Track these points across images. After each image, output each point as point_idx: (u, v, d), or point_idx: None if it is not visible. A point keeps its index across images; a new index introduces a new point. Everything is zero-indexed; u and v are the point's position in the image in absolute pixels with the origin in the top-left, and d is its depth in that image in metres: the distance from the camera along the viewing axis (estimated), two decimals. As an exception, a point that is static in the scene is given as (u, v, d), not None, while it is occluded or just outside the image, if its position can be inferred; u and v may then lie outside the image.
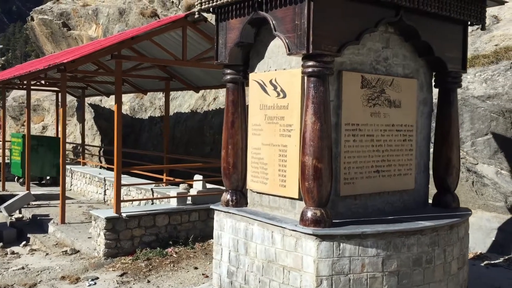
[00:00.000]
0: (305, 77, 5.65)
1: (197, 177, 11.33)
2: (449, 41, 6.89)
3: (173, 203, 10.96)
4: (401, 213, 6.53)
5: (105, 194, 15.39)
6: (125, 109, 18.77)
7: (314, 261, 5.43)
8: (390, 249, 5.60)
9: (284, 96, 6.09)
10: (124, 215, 10.04)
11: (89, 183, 16.49)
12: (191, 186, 11.91)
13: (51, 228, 12.03)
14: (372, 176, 6.42)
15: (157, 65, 13.28)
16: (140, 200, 12.06)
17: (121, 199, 10.26)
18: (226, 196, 6.75)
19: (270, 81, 6.27)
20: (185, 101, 16.81)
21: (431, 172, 7.24)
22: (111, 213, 10.11)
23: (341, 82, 6.01)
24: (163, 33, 10.55)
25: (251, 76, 6.61)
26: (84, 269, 9.42)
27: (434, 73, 7.19)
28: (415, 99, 6.90)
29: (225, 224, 6.64)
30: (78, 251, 10.63)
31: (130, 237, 10.11)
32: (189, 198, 11.02)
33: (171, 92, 17.96)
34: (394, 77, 6.59)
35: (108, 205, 14.83)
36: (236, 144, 6.67)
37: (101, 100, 21.17)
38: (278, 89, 6.17)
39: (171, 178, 13.44)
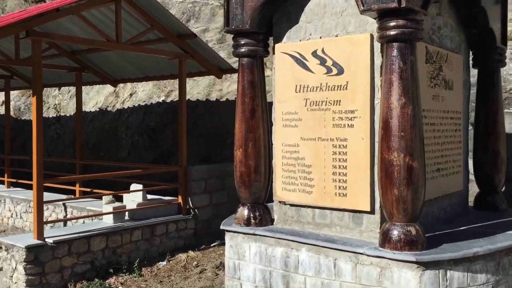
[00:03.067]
0: (384, 44, 4.10)
1: (135, 186, 9.19)
2: (494, 12, 5.76)
3: (107, 221, 8.74)
4: (457, 221, 5.24)
5: (-13, 212, 12.47)
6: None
7: (416, 299, 3.89)
8: (499, 273, 4.22)
9: (340, 72, 4.46)
10: (50, 241, 7.68)
11: (-37, 198, 13.32)
12: (117, 198, 9.75)
13: None
14: (434, 176, 5.03)
15: (65, 53, 10.85)
16: (70, 219, 9.63)
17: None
18: (244, 212, 4.94)
19: (314, 53, 4.60)
20: (90, 99, 14.30)
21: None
22: (31, 239, 7.68)
23: (410, 53, 4.54)
24: (92, 7, 8.30)
25: (279, 47, 4.88)
26: (1, 318, 6.97)
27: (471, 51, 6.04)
28: (461, 79, 5.66)
29: (247, 251, 4.83)
30: (-19, 291, 8.01)
31: (58, 269, 7.75)
32: (127, 213, 8.88)
33: (69, 89, 15.35)
34: (448, 52, 5.28)
35: (-7, 225, 12.00)
36: (258, 141, 4.89)
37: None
38: (328, 63, 4.53)
39: (88, 189, 11.04)
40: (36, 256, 7.57)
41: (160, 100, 12.16)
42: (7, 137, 13.66)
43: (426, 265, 3.89)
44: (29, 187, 11.08)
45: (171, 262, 8.76)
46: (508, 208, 5.95)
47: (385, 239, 4.05)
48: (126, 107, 13.10)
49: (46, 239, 7.76)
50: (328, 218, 4.62)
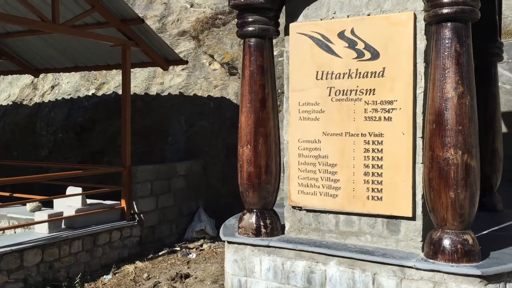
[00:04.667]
0: (433, 25, 3.57)
1: (73, 190, 8.01)
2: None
3: (40, 231, 7.53)
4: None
5: None
6: None
7: (479, 318, 3.38)
8: (548, 282, 3.85)
9: (375, 57, 3.86)
10: (-25, 256, 6.43)
11: None
12: (43, 203, 8.56)
13: None
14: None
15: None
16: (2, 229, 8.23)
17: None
18: (252, 220, 4.19)
19: (341, 34, 3.96)
20: (1, 90, 12.66)
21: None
22: (-48, 255, 6.39)
23: (444, 39, 4.05)
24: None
25: (295, 27, 4.18)
26: None
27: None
28: (466, 73, 5.29)
29: (257, 266, 4.09)
30: None
31: (-15, 290, 6.53)
32: (63, 221, 7.72)
33: (-26, 79, 13.56)
34: (461, 42, 4.87)
35: None
36: (269, 136, 4.16)
37: None
38: (358, 46, 3.91)
39: (6, 194, 9.62)
40: (-42, 275, 6.31)
41: (90, 94, 10.94)
42: None
43: (488, 279, 3.40)
44: None
45: (117, 275, 7.73)
46: (502, 208, 5.69)
47: (437, 250, 3.51)
48: (46, 100, 11.69)
49: (-30, 255, 6.50)
50: (356, 226, 4.00)
